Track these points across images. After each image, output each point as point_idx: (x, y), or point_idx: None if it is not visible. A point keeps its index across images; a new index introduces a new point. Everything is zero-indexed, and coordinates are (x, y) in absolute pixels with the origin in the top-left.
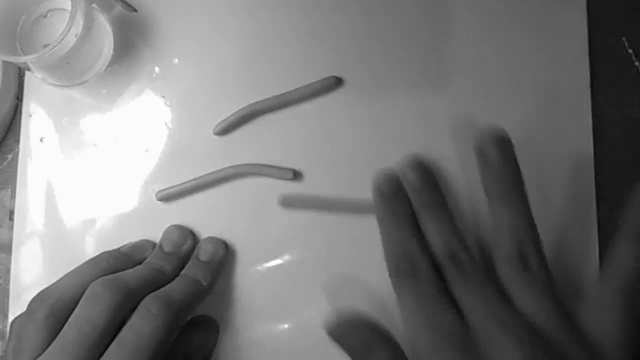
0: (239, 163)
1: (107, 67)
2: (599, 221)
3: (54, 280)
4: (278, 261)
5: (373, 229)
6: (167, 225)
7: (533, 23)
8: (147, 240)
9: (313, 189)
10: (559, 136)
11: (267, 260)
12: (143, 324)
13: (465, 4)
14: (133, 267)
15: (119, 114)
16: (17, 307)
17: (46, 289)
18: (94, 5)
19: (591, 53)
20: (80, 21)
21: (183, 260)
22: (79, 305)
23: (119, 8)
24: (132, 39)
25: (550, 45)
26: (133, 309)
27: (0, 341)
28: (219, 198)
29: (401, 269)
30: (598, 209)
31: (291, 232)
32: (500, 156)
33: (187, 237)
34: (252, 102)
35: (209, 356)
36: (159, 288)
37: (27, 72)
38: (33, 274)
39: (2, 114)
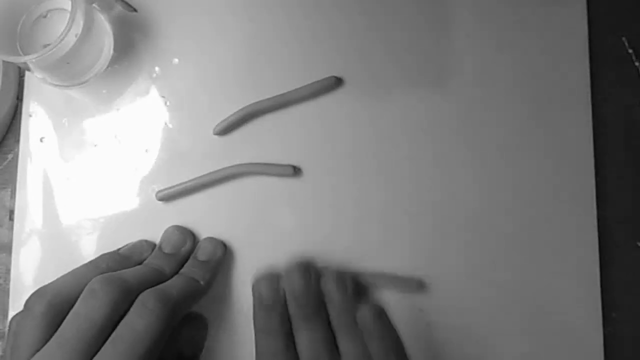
0: (238, 163)
1: (107, 67)
2: (599, 221)
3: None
4: (277, 261)
5: (373, 228)
6: (167, 225)
7: (533, 23)
8: (146, 241)
9: (313, 188)
10: (559, 136)
11: (267, 260)
12: (139, 319)
13: (465, 4)
14: None
15: (119, 114)
16: (17, 307)
17: (44, 286)
18: (94, 5)
19: (591, 53)
20: (80, 21)
21: (182, 262)
22: (77, 302)
23: (119, 8)
24: (132, 39)
25: (550, 46)
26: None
27: (0, 341)
28: (218, 198)
29: None
30: (598, 209)
31: (291, 231)
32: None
33: (187, 239)
34: (252, 102)
35: (200, 352)
36: None
37: (27, 72)
38: (33, 274)
39: (2, 114)
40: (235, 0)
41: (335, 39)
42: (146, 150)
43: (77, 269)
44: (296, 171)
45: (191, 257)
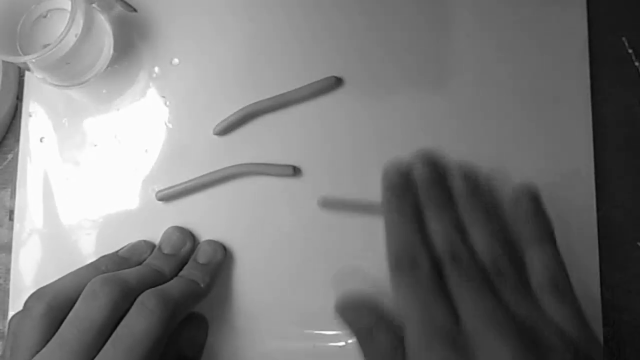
0: (238, 163)
1: (107, 67)
2: (599, 221)
3: (54, 279)
4: (278, 261)
5: (374, 228)
6: (167, 226)
7: (533, 23)
8: (145, 242)
9: (313, 189)
10: (559, 136)
11: (267, 260)
12: (139, 319)
13: (465, 4)
14: None
15: (119, 114)
16: (17, 307)
17: (43, 287)
18: (94, 5)
19: (591, 53)
20: (80, 21)
21: (182, 262)
22: (77, 302)
23: (119, 8)
24: (132, 39)
25: (550, 46)
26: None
27: (0, 341)
28: (218, 198)
29: (401, 262)
30: (598, 209)
31: (291, 231)
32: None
33: (187, 239)
34: (252, 102)
35: (200, 353)
36: None
37: (27, 72)
38: (33, 274)
39: (2, 114)
40: (236, 0)
41: (335, 39)
42: (146, 150)
43: (77, 270)
44: (296, 171)
45: (191, 259)
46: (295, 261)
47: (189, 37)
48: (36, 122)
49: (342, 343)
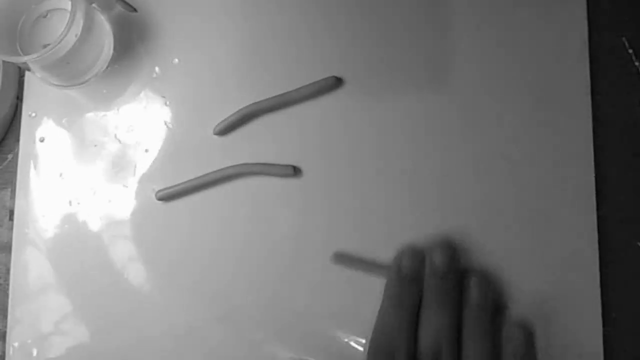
0: (238, 163)
1: (107, 67)
2: (599, 221)
3: (54, 280)
4: (277, 261)
5: (373, 228)
6: (166, 225)
7: (533, 23)
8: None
9: (313, 188)
10: (559, 136)
11: (267, 260)
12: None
13: (465, 4)
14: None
15: (119, 114)
16: (17, 307)
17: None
18: (94, 5)
19: (591, 53)
20: (80, 21)
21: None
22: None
23: (119, 8)
24: (132, 39)
25: (550, 45)
26: None
27: (0, 341)
28: (219, 198)
29: (379, 352)
30: (598, 209)
31: (291, 231)
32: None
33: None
34: (251, 102)
35: None
36: None
37: (27, 72)
38: (33, 274)
39: (2, 114)
40: (235, 1)
41: (335, 39)
42: (146, 150)
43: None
44: (296, 171)
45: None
46: (295, 261)
47: (189, 37)
48: (36, 122)
49: (342, 343)
